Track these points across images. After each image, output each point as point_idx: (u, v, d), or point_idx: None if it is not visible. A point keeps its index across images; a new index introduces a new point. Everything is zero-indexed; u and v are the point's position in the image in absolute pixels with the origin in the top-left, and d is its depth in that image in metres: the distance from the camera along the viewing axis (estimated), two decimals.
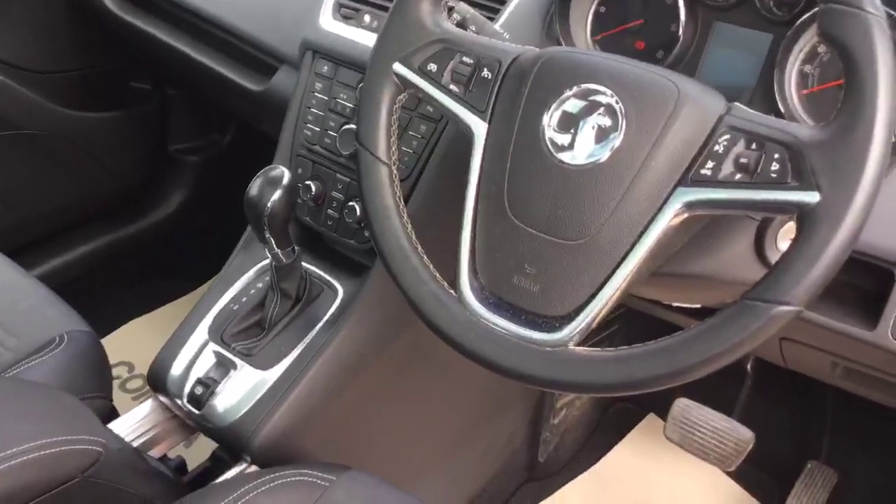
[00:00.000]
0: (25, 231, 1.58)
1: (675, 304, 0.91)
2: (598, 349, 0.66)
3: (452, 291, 0.72)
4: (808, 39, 0.84)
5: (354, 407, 1.05)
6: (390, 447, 1.12)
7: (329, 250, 1.09)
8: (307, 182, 1.06)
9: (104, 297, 1.64)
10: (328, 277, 1.05)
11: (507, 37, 0.86)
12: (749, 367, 1.33)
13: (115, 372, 1.54)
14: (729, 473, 1.35)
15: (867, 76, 0.58)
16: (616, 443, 1.45)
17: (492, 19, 0.96)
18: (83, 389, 1.00)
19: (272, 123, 1.15)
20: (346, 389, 1.02)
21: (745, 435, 1.27)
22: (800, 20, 0.82)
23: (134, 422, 1.02)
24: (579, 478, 1.41)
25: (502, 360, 0.69)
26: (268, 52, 1.20)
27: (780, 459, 1.33)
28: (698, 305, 0.88)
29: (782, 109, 0.84)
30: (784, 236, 0.76)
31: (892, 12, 0.65)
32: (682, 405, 1.31)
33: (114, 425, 1.00)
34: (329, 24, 1.07)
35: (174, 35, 1.36)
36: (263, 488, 0.85)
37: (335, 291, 1.03)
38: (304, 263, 1.04)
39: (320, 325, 1.01)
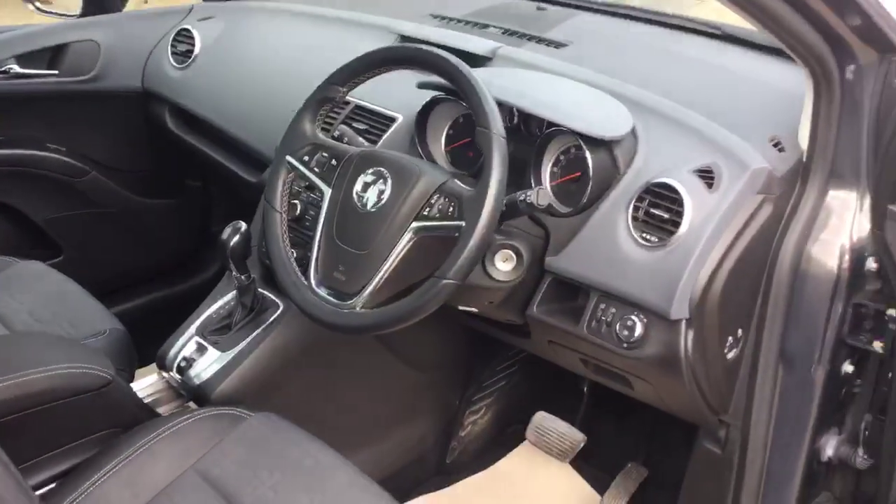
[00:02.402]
0: (105, 282, 2.18)
1: (461, 308, 1.41)
2: (365, 309, 1.19)
3: (305, 281, 1.27)
4: (552, 152, 1.38)
5: (286, 383, 1.58)
6: (314, 421, 1.62)
7: None
8: None
9: (157, 333, 2.22)
10: (274, 298, 1.60)
11: (367, 144, 1.44)
12: (585, 389, 1.81)
13: None
14: (577, 469, 1.80)
15: (488, 166, 1.12)
16: (506, 454, 1.91)
17: (377, 140, 1.54)
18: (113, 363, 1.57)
19: None
20: (279, 370, 1.56)
21: (578, 437, 1.74)
22: (539, 141, 1.36)
23: (144, 385, 1.59)
24: (474, 476, 1.87)
25: (322, 316, 1.22)
26: (260, 154, 1.81)
27: (610, 459, 1.77)
28: (475, 310, 1.40)
29: None
30: (500, 258, 1.28)
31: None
32: (539, 416, 1.80)
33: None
34: None
35: (207, 145, 1.99)
36: (200, 416, 1.36)
37: (278, 307, 1.58)
38: (260, 288, 1.60)
39: (264, 326, 1.55)
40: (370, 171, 1.25)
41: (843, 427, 1.38)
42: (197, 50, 1.99)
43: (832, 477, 1.41)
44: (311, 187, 1.48)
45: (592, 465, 1.79)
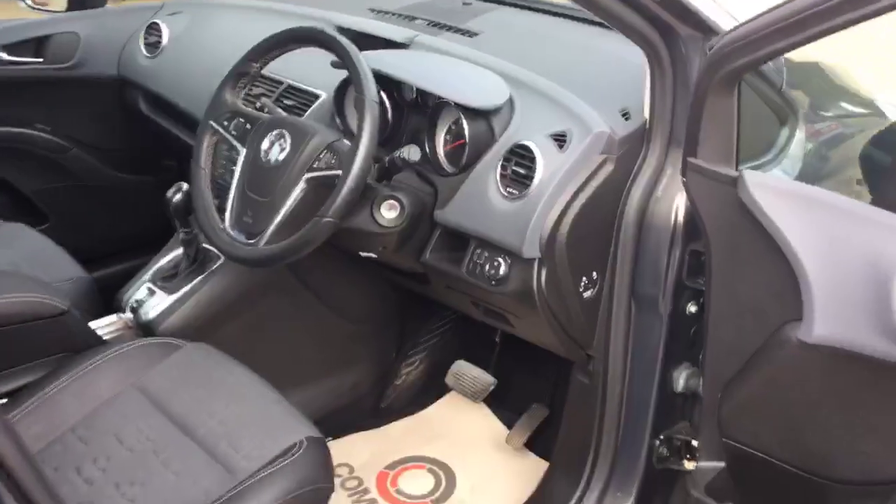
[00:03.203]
0: (88, 249, 2.42)
1: (362, 254, 1.64)
2: (267, 246, 1.42)
3: (222, 226, 1.51)
4: (444, 122, 1.60)
5: (224, 324, 1.80)
6: (249, 359, 1.84)
7: None
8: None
9: None
10: (216, 251, 1.84)
11: (284, 115, 1.67)
12: (497, 338, 2.03)
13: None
14: (492, 409, 2.03)
15: (361, 125, 1.36)
16: (435, 401, 2.14)
17: (302, 112, 1.77)
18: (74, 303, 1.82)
19: None
20: (218, 312, 1.79)
21: (489, 380, 1.97)
22: (430, 112, 1.59)
23: (102, 323, 1.83)
24: (405, 419, 2.09)
25: (232, 252, 1.46)
26: None
27: (519, 400, 1.99)
28: (374, 255, 1.62)
29: (437, 157, 1.60)
30: (385, 207, 1.50)
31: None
32: (457, 364, 2.02)
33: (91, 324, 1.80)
34: None
35: (177, 126, 2.23)
36: (142, 344, 1.60)
37: (219, 258, 1.82)
38: (204, 244, 1.84)
39: (204, 274, 1.79)
40: (275, 132, 1.48)
41: (696, 363, 1.58)
42: (165, 41, 2.24)
43: (689, 407, 1.61)
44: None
45: (504, 407, 2.01)
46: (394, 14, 2.07)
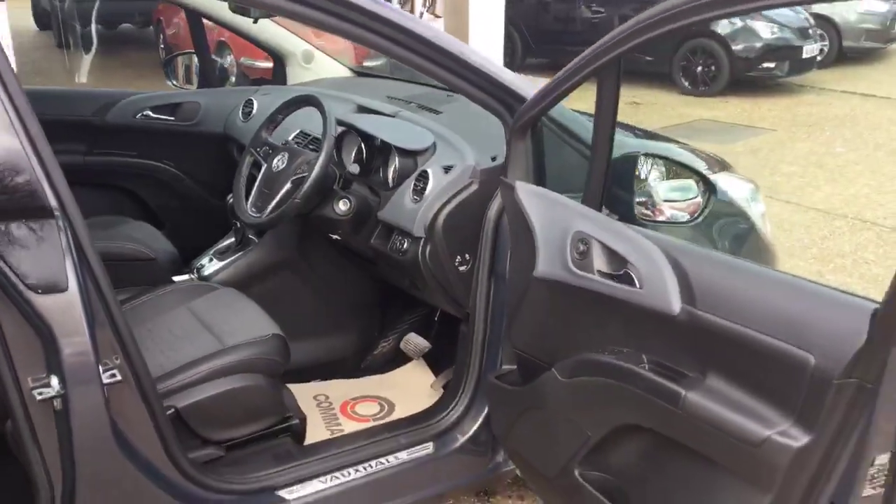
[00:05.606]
0: (191, 249, 3.44)
1: (332, 236, 2.57)
2: (264, 217, 2.40)
3: (245, 206, 2.50)
4: (392, 158, 2.54)
5: (254, 284, 2.76)
6: (271, 310, 2.75)
7: None
8: None
9: None
10: (253, 237, 2.82)
11: (293, 145, 2.66)
12: (436, 318, 2.89)
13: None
14: (430, 367, 2.87)
15: (322, 149, 2.32)
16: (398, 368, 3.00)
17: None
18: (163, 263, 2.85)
19: None
20: (251, 275, 2.76)
21: (424, 344, 2.83)
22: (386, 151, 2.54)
23: (178, 279, 2.84)
24: (375, 376, 2.96)
25: (246, 220, 2.45)
26: None
27: (447, 361, 2.81)
28: (337, 237, 2.54)
29: (387, 178, 2.54)
30: (341, 203, 2.44)
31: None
32: (408, 335, 2.90)
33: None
34: None
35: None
36: (194, 285, 2.59)
37: (255, 242, 2.81)
38: (248, 234, 2.83)
39: (245, 251, 2.78)
40: (280, 153, 2.48)
41: None
42: (254, 111, 3.31)
43: None
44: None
45: (436, 364, 2.85)
46: (398, 99, 3.06)
